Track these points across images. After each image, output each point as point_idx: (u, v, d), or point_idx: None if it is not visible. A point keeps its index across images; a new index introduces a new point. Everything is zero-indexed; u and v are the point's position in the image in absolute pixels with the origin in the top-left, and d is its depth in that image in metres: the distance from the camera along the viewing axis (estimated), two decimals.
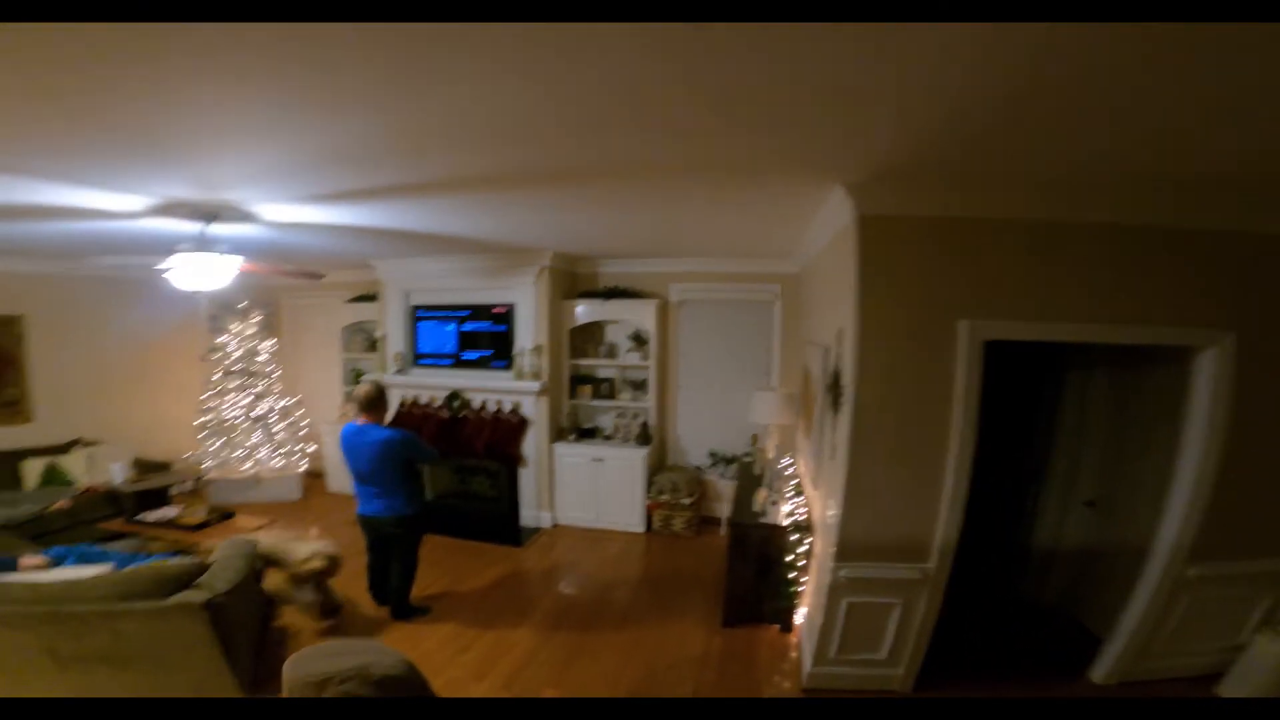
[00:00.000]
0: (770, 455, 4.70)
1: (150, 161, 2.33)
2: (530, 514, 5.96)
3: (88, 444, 5.72)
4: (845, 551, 2.99)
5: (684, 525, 5.76)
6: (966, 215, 2.73)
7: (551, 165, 2.49)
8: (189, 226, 3.28)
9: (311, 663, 1.57)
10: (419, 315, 6.21)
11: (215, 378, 6.21)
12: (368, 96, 1.74)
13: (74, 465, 5.44)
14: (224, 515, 4.76)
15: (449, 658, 3.63)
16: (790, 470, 4.40)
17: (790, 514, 3.87)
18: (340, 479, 6.73)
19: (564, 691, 3.33)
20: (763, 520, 3.98)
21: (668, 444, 6.26)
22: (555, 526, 5.98)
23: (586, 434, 6.13)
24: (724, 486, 5.91)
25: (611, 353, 6.11)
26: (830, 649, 3.23)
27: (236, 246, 3.50)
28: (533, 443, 5.83)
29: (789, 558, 3.75)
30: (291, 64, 1.53)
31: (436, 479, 6.25)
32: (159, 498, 5.45)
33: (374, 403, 3.86)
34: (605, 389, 6.10)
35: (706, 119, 1.92)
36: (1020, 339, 2.77)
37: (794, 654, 3.70)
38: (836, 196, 2.87)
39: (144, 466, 5.79)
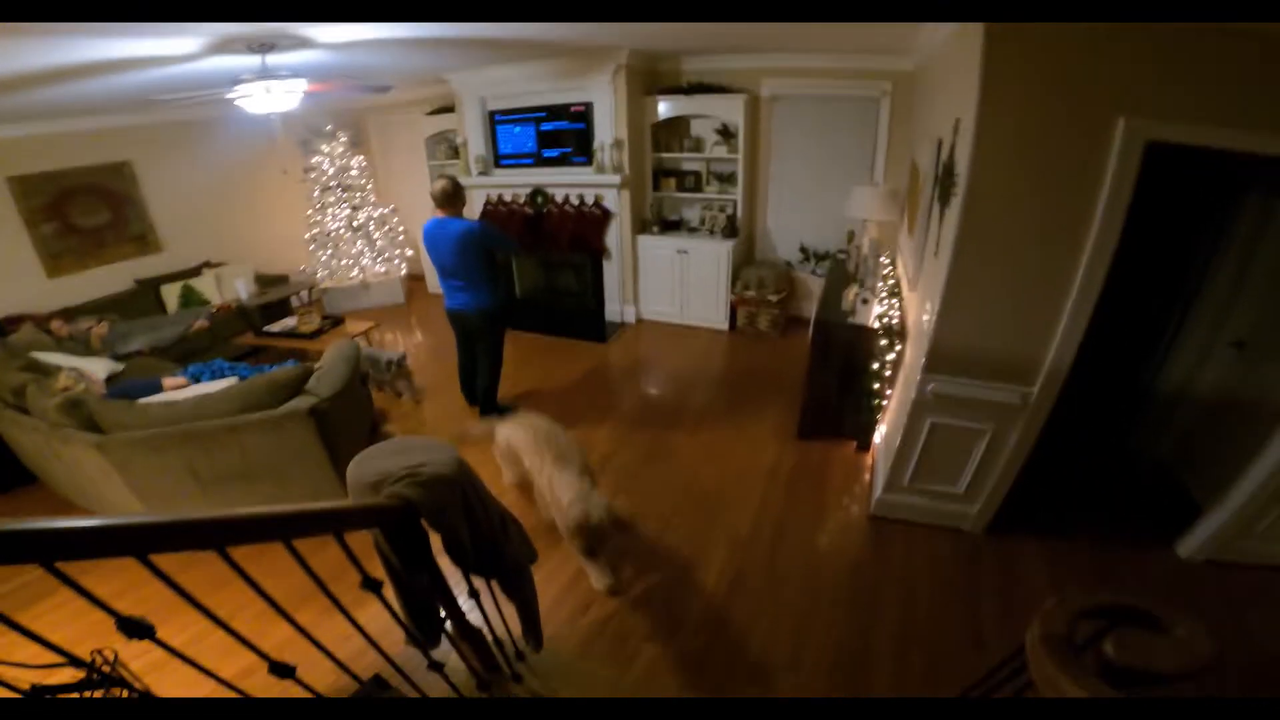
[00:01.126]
0: (866, 251, 4.31)
1: None
2: (615, 309, 6.08)
3: (214, 265, 6.21)
4: (937, 361, 2.71)
5: (769, 324, 5.62)
6: None
7: None
8: (249, 60, 3.15)
9: (371, 462, 1.57)
10: (497, 120, 6.00)
11: (315, 194, 6.46)
12: None
13: (205, 286, 5.96)
14: (335, 322, 5.12)
15: None
16: (887, 269, 4.03)
17: (882, 316, 3.56)
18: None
19: (634, 498, 3.42)
20: (850, 321, 3.71)
21: (756, 238, 5.95)
22: (639, 322, 6.05)
23: (671, 226, 5.92)
24: (814, 284, 5.63)
25: (697, 146, 5.66)
26: (904, 475, 3.10)
27: (300, 72, 3.30)
28: (615, 235, 5.77)
29: (875, 366, 3.51)
30: None
31: (524, 275, 6.41)
32: (281, 309, 5.95)
33: (451, 197, 3.78)
34: (690, 182, 5.79)
35: None
36: (1198, 144, 2.10)
37: (867, 476, 3.60)
38: None
39: (265, 281, 6.29)
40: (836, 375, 3.75)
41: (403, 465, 1.51)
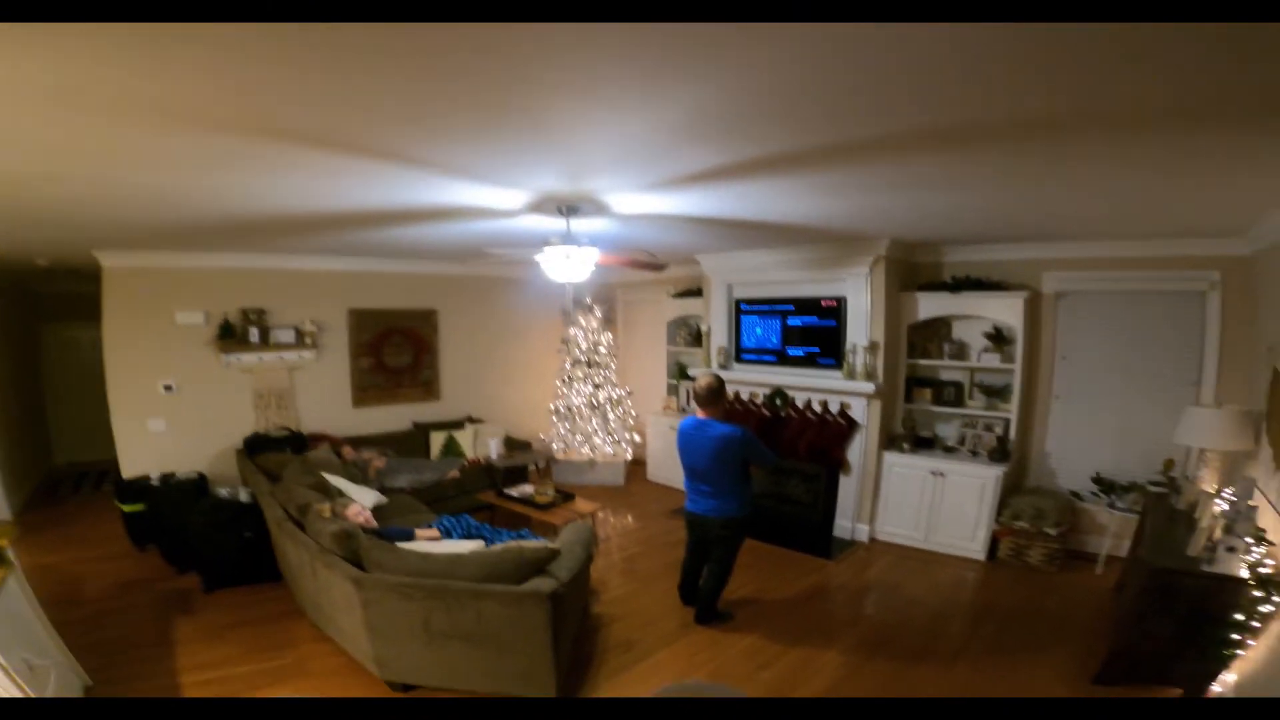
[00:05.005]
0: (1208, 487, 3.44)
1: (529, 150, 2.43)
2: (845, 525, 5.45)
3: (475, 421, 6.87)
4: None
5: (1043, 558, 4.69)
6: None
7: (928, 125, 2.07)
8: (555, 223, 3.59)
9: None
10: (742, 309, 6.08)
11: (566, 366, 6.97)
12: (721, 60, 1.58)
13: (464, 439, 6.55)
14: (566, 496, 5.17)
15: (749, 673, 3.40)
16: (1248, 509, 3.16)
17: (1257, 565, 2.76)
18: (659, 469, 7.04)
19: None
20: (1208, 569, 2.90)
21: (1030, 462, 5.15)
22: (872, 542, 5.36)
23: (924, 444, 5.34)
24: (1108, 518, 4.61)
25: (960, 353, 5.21)
26: None
27: (591, 241, 3.71)
28: (858, 448, 5.29)
29: (1239, 617, 2.67)
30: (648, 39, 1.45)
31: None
32: (520, 474, 6.23)
33: (716, 395, 3.72)
34: (950, 394, 5.25)
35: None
36: None
37: None
38: None
39: (511, 444, 6.72)
40: (1175, 623, 2.96)
41: None
